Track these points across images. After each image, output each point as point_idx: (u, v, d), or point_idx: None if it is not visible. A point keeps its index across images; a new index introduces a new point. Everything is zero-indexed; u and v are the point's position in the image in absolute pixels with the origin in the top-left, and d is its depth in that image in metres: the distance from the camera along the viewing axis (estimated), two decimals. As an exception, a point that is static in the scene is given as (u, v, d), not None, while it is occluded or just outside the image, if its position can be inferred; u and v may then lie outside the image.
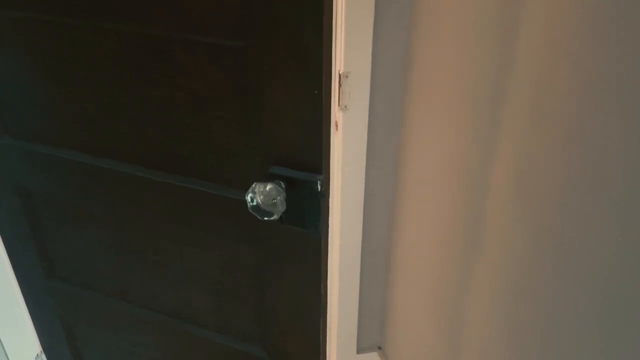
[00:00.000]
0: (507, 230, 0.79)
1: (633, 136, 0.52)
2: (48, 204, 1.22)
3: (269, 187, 0.87)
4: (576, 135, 0.60)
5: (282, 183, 0.89)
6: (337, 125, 1.20)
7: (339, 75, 1.13)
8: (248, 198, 0.88)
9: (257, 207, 0.88)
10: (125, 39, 0.93)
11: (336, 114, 1.18)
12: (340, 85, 1.14)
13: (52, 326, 1.44)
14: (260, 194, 0.88)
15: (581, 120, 0.59)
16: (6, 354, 1.43)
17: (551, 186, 0.66)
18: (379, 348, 1.48)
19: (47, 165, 1.14)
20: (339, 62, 1.14)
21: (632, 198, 0.53)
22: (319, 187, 0.89)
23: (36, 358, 1.50)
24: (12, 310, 1.40)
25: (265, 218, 0.89)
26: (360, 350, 1.48)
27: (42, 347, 1.50)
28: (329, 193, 1.01)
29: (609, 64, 0.54)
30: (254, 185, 0.88)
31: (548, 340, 0.71)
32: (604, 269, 0.58)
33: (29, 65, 1.04)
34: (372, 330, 1.47)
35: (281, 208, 0.88)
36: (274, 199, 0.87)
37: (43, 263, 1.31)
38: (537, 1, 0.65)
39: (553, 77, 0.63)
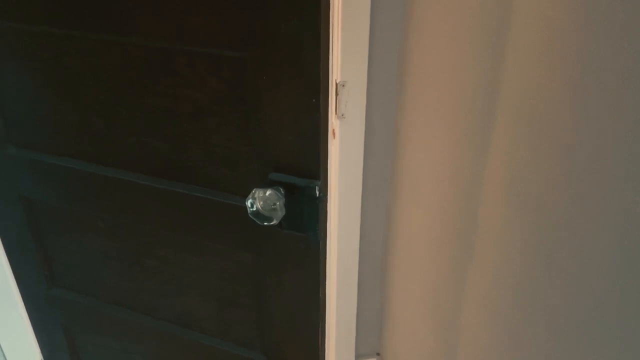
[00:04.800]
0: (501, 236, 0.79)
1: (623, 140, 0.52)
2: (50, 212, 1.23)
3: (268, 192, 0.88)
4: (566, 140, 0.61)
5: (281, 189, 0.91)
6: (334, 133, 1.22)
7: (336, 84, 1.15)
8: (248, 204, 0.89)
9: (257, 213, 0.90)
10: (127, 50, 0.95)
11: (333, 122, 1.20)
12: (337, 93, 1.16)
13: (53, 334, 1.44)
14: (260, 200, 0.89)
15: (571, 126, 0.60)
16: (7, 363, 1.43)
17: (542, 190, 0.67)
18: (377, 354, 1.49)
19: (50, 174, 1.16)
20: (336, 71, 1.16)
21: (623, 201, 0.53)
22: (318, 192, 0.90)
23: (36, 366, 1.50)
24: (13, 318, 1.41)
25: (265, 223, 0.90)
26: (358, 356, 1.48)
27: (43, 355, 1.50)
28: (327, 198, 1.02)
29: (598, 70, 0.54)
30: (253, 191, 0.89)
31: (544, 344, 0.71)
32: (596, 272, 0.58)
33: (32, 76, 1.05)
34: (371, 336, 1.48)
35: (280, 213, 0.90)
36: (273, 204, 0.89)
37: (45, 271, 1.32)
38: (529, 8, 0.66)
39: (543, 84, 0.64)
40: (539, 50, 0.64)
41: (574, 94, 0.59)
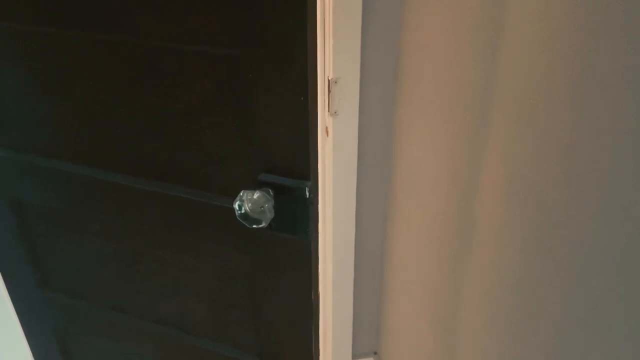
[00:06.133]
0: (501, 235, 0.78)
1: (624, 139, 0.52)
2: (41, 214, 1.21)
3: (256, 195, 0.86)
4: (566, 138, 0.60)
5: (270, 190, 0.89)
6: (327, 131, 1.19)
7: (328, 81, 1.13)
8: (236, 206, 0.87)
9: (245, 215, 0.88)
10: (119, 49, 0.94)
11: (326, 120, 1.18)
12: (329, 91, 1.14)
13: (46, 338, 1.43)
14: (248, 202, 0.87)
15: (571, 125, 0.59)
16: (0, 366, 1.42)
17: (542, 189, 0.66)
18: (375, 353, 1.48)
19: (41, 176, 1.14)
20: (328, 68, 1.13)
21: (623, 200, 0.53)
22: (308, 193, 0.89)
23: (30, 370, 1.50)
24: (5, 323, 1.40)
25: (254, 226, 0.89)
26: (355, 355, 1.47)
27: (35, 359, 1.49)
28: (317, 199, 1.00)
29: (595, 68, 0.54)
30: (241, 194, 0.87)
31: (544, 344, 0.71)
32: (597, 271, 0.59)
33: (23, 77, 1.04)
34: (368, 335, 1.46)
35: (269, 215, 0.88)
36: (261, 206, 0.87)
37: (36, 274, 1.31)
38: (529, 6, 0.65)
39: (543, 82, 0.63)
40: (539, 48, 0.63)
41: (574, 93, 0.58)
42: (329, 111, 1.16)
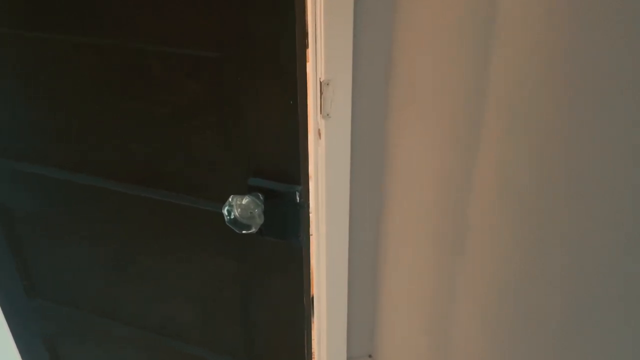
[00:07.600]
0: (497, 237, 0.78)
1: (621, 138, 0.52)
2: (28, 220, 1.20)
3: (245, 200, 0.85)
4: (564, 139, 0.60)
5: (260, 195, 0.88)
6: (320, 134, 1.18)
7: (320, 83, 1.12)
8: (225, 212, 0.86)
9: (234, 221, 0.87)
10: (104, 53, 0.92)
11: (319, 122, 1.17)
12: (321, 93, 1.13)
13: (35, 345, 1.42)
14: (237, 207, 0.86)
15: (569, 125, 0.59)
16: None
17: (541, 190, 0.66)
18: (370, 356, 1.47)
19: (27, 182, 1.13)
20: (320, 69, 1.12)
21: (615, 199, 0.53)
22: (298, 198, 0.87)
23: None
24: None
25: (244, 231, 0.87)
26: (350, 358, 1.46)
27: (27, 365, 1.48)
28: (308, 203, 0.99)
29: (592, 68, 0.54)
30: (230, 199, 0.86)
31: (539, 346, 0.71)
32: (595, 272, 0.59)
33: (7, 81, 1.02)
34: (363, 338, 1.46)
35: (259, 221, 0.87)
36: (251, 211, 0.86)
37: (24, 281, 1.30)
38: (514, 9, 0.64)
39: (532, 81, 0.63)
40: (533, 49, 0.63)
41: (570, 93, 0.59)
42: (321, 113, 1.15)
